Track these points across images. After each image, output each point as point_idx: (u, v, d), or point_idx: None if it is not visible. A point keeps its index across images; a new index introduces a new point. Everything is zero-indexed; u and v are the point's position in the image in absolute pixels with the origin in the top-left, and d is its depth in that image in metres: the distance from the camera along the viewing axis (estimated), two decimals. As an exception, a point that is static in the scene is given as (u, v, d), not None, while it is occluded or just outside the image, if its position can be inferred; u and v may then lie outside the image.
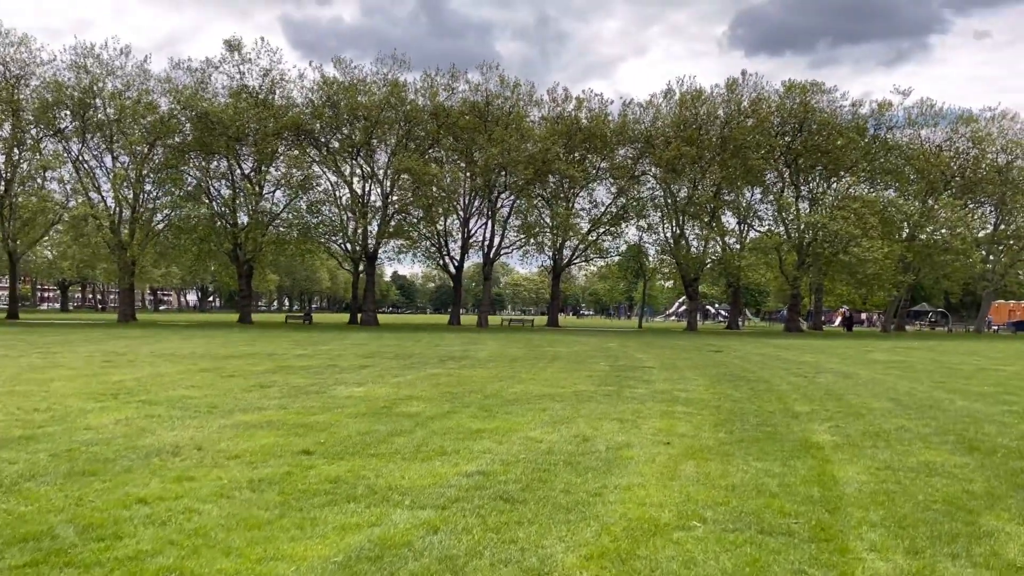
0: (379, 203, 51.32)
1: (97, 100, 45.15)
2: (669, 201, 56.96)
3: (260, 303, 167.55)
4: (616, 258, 63.95)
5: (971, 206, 58.76)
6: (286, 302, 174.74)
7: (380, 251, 53.88)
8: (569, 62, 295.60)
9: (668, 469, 6.88)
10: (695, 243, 58.22)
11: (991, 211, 62.57)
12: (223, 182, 51.77)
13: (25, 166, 46.72)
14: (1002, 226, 62.77)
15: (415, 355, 22.38)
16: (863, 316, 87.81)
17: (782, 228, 56.51)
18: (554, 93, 53.27)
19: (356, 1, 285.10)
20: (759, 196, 59.36)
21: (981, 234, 61.51)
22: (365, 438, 8.22)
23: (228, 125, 44.73)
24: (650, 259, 63.07)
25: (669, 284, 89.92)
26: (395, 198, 50.81)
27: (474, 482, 6.20)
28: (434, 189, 48.73)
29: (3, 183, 46.17)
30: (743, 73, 53.92)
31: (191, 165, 50.65)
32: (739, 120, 52.45)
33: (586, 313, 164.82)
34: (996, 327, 69.38)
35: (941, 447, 8.35)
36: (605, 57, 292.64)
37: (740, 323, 67.58)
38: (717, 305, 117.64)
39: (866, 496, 5.99)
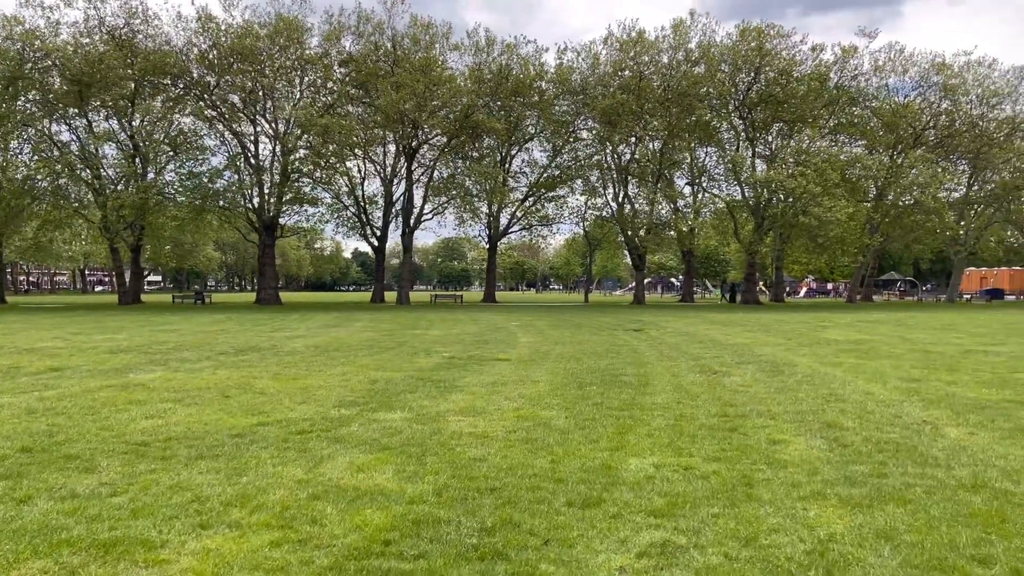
0: (275, 164, 44.51)
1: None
2: (611, 160, 50.91)
3: (210, 285, 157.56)
4: (560, 225, 58.04)
5: (944, 163, 53.39)
6: (236, 281, 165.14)
7: (282, 218, 47.05)
8: (537, 33, 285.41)
9: None
10: (644, 207, 52.30)
11: (964, 169, 57.27)
12: (106, 144, 44.37)
13: None
14: (975, 186, 57.62)
15: (206, 346, 16.29)
16: (828, 286, 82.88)
17: (737, 188, 50.74)
18: (475, 36, 46.59)
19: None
20: (715, 157, 53.54)
21: (954, 195, 56.35)
22: None
23: (72, 68, 37.64)
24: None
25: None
26: (295, 157, 43.96)
27: None
28: (331, 147, 42.12)
29: None
30: (691, 13, 47.38)
31: (64, 121, 43.50)
32: (685, 67, 46.31)
33: (555, 288, 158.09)
34: (967, 296, 64.57)
35: None
36: (574, 29, 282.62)
37: (706, 294, 62.40)
38: (682, 278, 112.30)
39: None
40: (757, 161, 50.87)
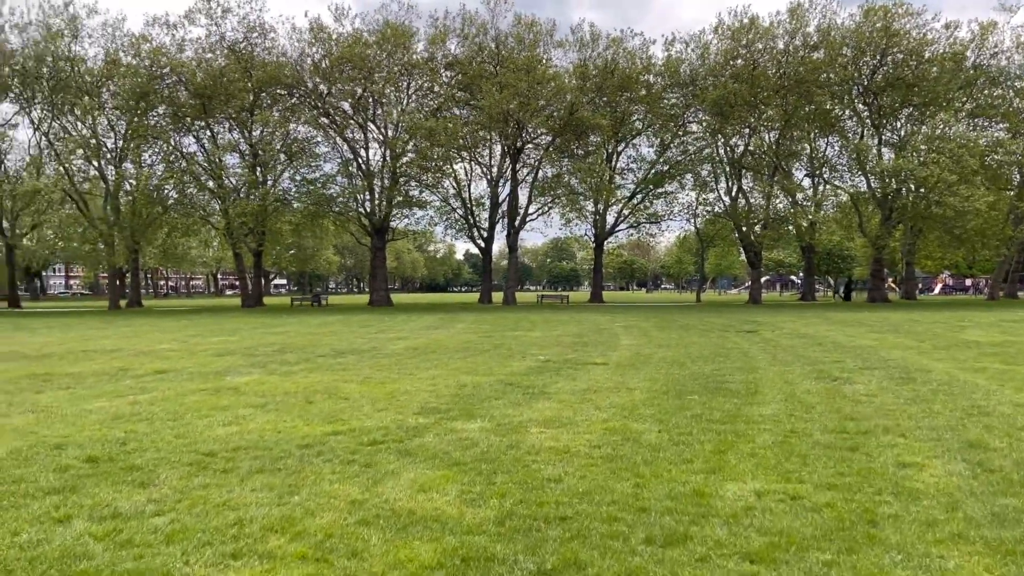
0: (385, 169, 45.35)
1: (62, 63, 40.69)
2: (723, 153, 48.86)
3: (331, 287, 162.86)
4: (670, 223, 56.25)
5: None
6: (356, 285, 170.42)
7: (392, 222, 47.87)
8: (648, 28, 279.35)
9: None
10: (759, 201, 49.87)
11: None
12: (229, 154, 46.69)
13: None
14: None
15: (309, 348, 16.47)
16: (967, 282, 76.65)
17: (862, 179, 47.55)
18: (580, 32, 45.76)
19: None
20: (837, 146, 50.36)
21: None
22: None
23: (196, 82, 39.63)
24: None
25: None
26: (403, 161, 44.64)
27: None
28: (438, 150, 42.41)
29: None
30: (810, -3, 44.57)
31: (190, 133, 46.01)
32: (803, 52, 43.80)
33: (666, 287, 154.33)
34: None
35: None
36: (686, 23, 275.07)
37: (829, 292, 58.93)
38: (802, 275, 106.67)
39: None
40: (884, 149, 47.56)
